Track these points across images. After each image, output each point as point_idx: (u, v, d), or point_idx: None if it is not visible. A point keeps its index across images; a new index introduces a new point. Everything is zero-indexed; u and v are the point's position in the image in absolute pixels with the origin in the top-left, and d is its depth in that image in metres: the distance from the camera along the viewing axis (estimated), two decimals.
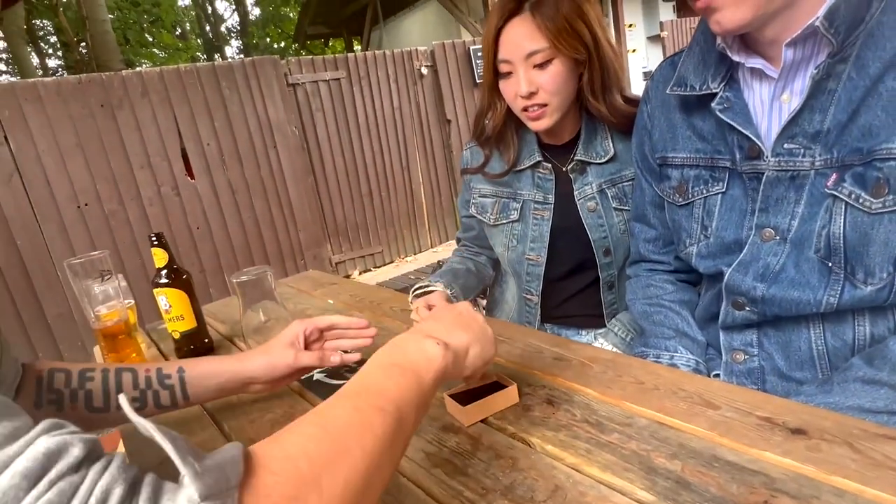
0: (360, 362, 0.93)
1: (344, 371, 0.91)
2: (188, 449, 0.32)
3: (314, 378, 0.90)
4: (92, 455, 0.30)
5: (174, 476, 0.32)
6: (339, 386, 0.70)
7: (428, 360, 0.51)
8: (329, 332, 0.85)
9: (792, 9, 0.63)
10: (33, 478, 0.27)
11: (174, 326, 1.08)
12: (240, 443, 0.36)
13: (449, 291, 1.07)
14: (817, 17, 0.60)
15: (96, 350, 1.22)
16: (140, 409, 0.70)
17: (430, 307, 0.99)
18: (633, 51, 7.44)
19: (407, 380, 0.48)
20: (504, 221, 1.16)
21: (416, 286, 1.12)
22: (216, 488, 0.30)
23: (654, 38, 7.69)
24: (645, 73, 7.36)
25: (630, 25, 7.21)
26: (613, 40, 1.05)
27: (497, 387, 0.71)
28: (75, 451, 0.29)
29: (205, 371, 0.75)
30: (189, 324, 1.09)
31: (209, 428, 0.80)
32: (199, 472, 0.30)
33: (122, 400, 0.35)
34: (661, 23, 7.07)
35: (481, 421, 0.68)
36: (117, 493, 0.28)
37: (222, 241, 3.90)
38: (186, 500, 0.29)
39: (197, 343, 1.11)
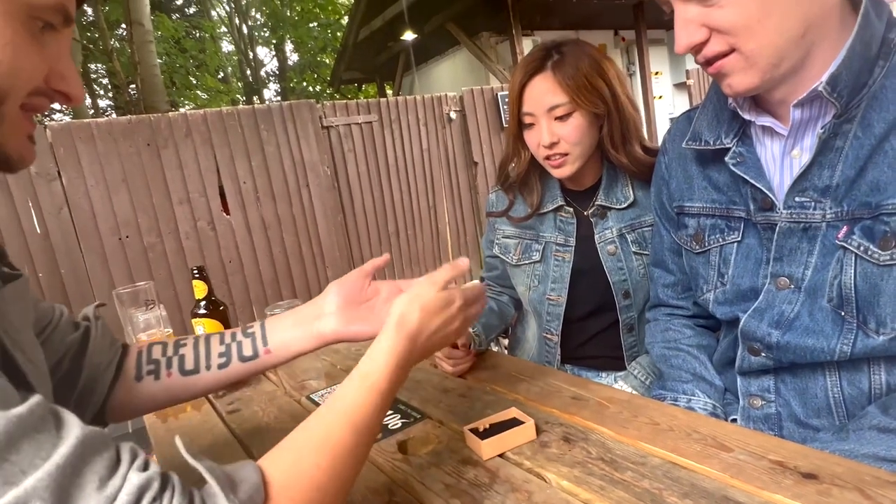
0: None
1: None
2: (227, 481, 0.42)
3: None
4: (165, 484, 0.39)
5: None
6: None
7: (380, 366, 0.57)
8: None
9: (798, 73, 0.68)
10: None
11: None
12: (256, 465, 0.46)
13: (472, 329, 1.11)
14: (820, 83, 0.65)
15: None
16: (226, 364, 0.73)
17: (452, 344, 1.02)
18: (660, 97, 7.54)
19: (371, 392, 0.55)
20: (526, 262, 1.20)
21: None
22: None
23: (681, 86, 7.80)
24: (671, 119, 7.43)
25: (656, 73, 7.34)
26: (632, 94, 1.11)
27: (515, 423, 0.74)
28: (156, 484, 0.39)
29: (283, 324, 0.76)
30: None
31: (238, 455, 0.84)
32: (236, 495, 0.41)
33: (178, 441, 0.45)
34: (686, 71, 7.19)
35: (499, 455, 0.71)
36: None
37: (252, 274, 4.02)
38: None
39: None
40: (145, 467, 0.39)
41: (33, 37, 0.44)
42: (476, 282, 0.70)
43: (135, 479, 0.38)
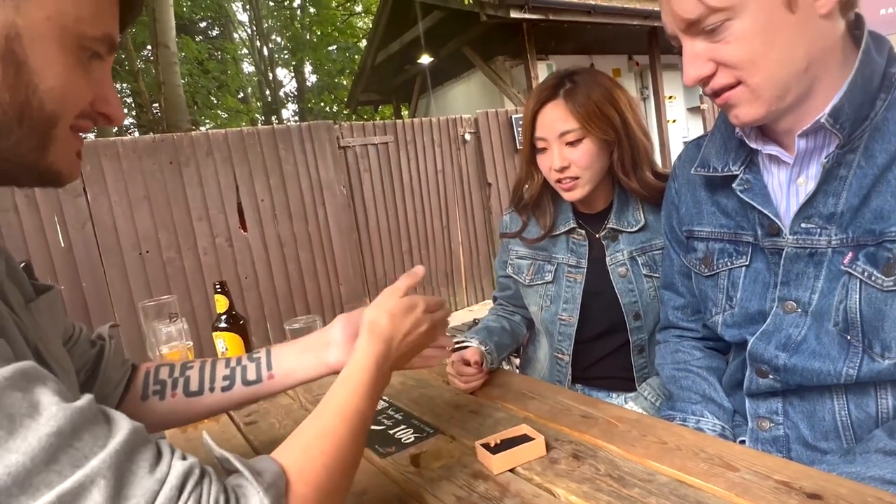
0: (397, 409, 0.99)
1: (381, 417, 0.96)
2: (253, 470, 0.47)
3: None
4: (203, 472, 0.44)
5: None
6: (377, 431, 0.78)
7: (360, 368, 0.63)
8: None
9: (802, 105, 0.71)
10: (180, 489, 0.41)
11: None
12: (271, 457, 0.51)
13: (484, 348, 1.13)
14: (823, 114, 0.67)
15: None
16: (229, 387, 0.77)
17: (465, 362, 1.05)
18: (674, 121, 7.58)
19: (356, 391, 0.61)
20: (539, 282, 1.23)
21: (454, 342, 1.18)
22: (274, 494, 0.46)
23: (694, 110, 7.83)
24: (685, 143, 7.44)
25: (670, 97, 7.39)
26: (645, 122, 1.15)
27: (526, 439, 0.76)
28: (197, 471, 0.43)
29: (290, 351, 0.80)
30: None
31: None
32: (260, 481, 0.46)
33: (206, 437, 0.50)
34: (700, 95, 7.23)
35: (509, 470, 0.73)
36: (222, 499, 0.43)
37: (267, 290, 4.07)
38: (258, 497, 0.45)
39: None
40: (185, 458, 0.44)
41: (82, 65, 0.48)
42: (439, 298, 0.76)
43: (179, 465, 0.42)
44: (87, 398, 0.40)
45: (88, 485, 0.37)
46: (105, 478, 0.38)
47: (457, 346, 1.15)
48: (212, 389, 0.76)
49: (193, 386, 0.76)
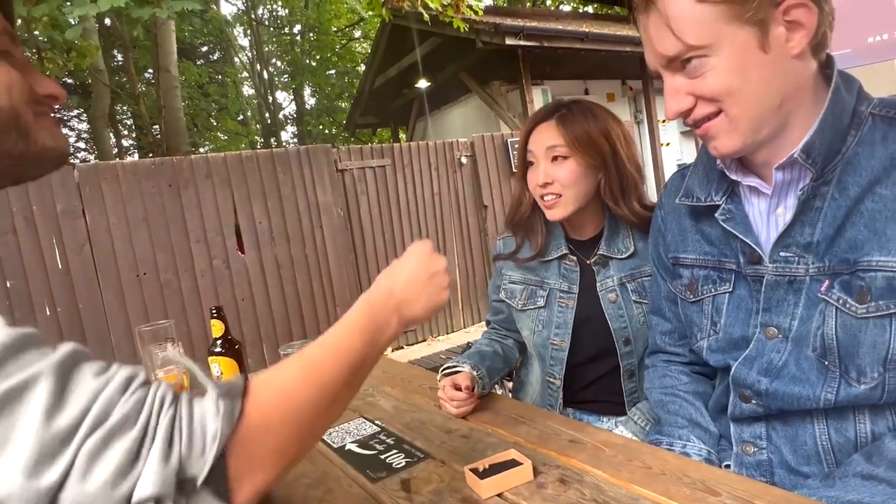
0: (388, 434, 1.00)
1: (373, 442, 0.97)
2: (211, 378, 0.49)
3: (346, 447, 0.97)
4: (149, 381, 0.46)
5: None
6: (369, 456, 0.80)
7: (358, 309, 0.64)
8: None
9: (777, 139, 0.74)
10: (123, 389, 0.43)
11: None
12: (241, 376, 0.51)
13: (475, 373, 1.14)
14: (796, 150, 0.71)
15: None
16: None
17: (456, 387, 1.06)
18: (667, 144, 7.68)
19: (351, 332, 0.61)
20: (531, 307, 1.25)
21: (445, 366, 1.19)
22: (229, 393, 0.47)
23: (688, 133, 7.94)
24: (678, 165, 7.54)
25: (663, 121, 7.50)
26: (639, 156, 1.19)
27: (514, 464, 0.77)
28: (142, 376, 0.45)
29: None
30: None
31: None
32: (218, 385, 0.47)
33: (186, 361, 0.55)
34: None
35: (497, 495, 0.74)
36: (169, 395, 0.44)
37: (264, 312, 4.07)
38: (212, 398, 0.46)
39: None
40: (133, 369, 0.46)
41: (2, 63, 0.54)
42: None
43: (124, 371, 0.44)
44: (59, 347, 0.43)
45: (32, 383, 0.39)
46: (48, 377, 0.39)
47: (447, 370, 1.17)
48: None
49: None
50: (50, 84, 0.59)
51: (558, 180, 1.12)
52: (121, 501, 0.38)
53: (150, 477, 0.39)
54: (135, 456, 0.40)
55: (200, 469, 0.42)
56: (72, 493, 0.37)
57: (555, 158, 1.12)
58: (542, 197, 1.15)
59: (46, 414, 0.38)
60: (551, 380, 1.24)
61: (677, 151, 7.90)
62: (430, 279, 0.68)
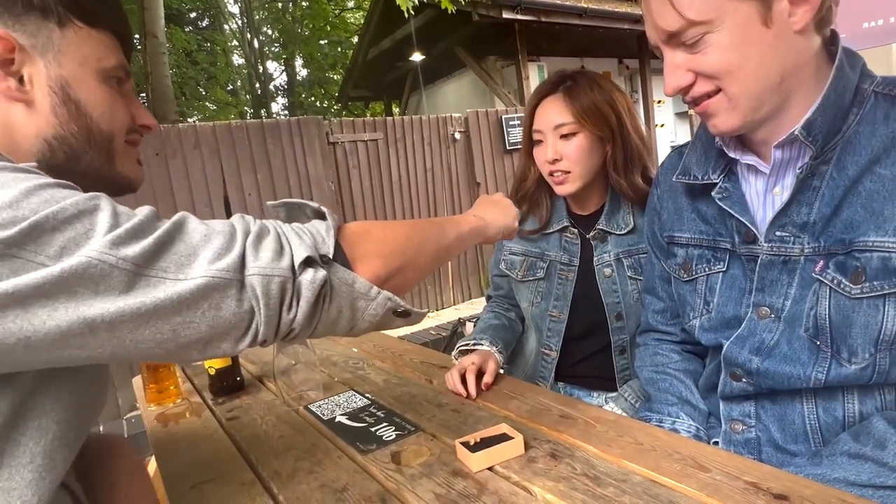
0: (379, 407, 1.00)
1: (363, 415, 0.97)
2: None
3: (336, 419, 0.97)
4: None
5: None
6: (359, 428, 0.80)
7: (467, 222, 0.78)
8: None
9: (777, 117, 0.73)
10: (251, 223, 0.54)
11: (211, 363, 1.17)
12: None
13: (495, 348, 1.13)
14: (797, 127, 0.69)
15: (136, 380, 1.32)
16: None
17: (481, 371, 1.04)
18: (662, 125, 7.65)
19: (454, 226, 0.74)
20: (531, 279, 1.25)
21: (461, 344, 1.18)
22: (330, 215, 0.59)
23: (682, 115, 7.91)
24: (672, 147, 7.53)
25: (659, 102, 7.45)
26: (642, 127, 1.18)
27: (505, 438, 0.77)
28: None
29: None
30: (225, 362, 1.17)
31: (237, 461, 0.87)
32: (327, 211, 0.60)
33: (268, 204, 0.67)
34: None
35: (488, 468, 0.74)
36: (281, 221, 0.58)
37: None
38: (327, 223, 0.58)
39: (230, 381, 1.19)
40: None
41: (114, 90, 0.64)
42: None
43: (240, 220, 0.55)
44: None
45: (94, 208, 0.48)
46: (196, 221, 0.51)
47: (464, 347, 1.15)
48: None
49: None
50: (147, 116, 0.69)
51: (567, 157, 1.11)
52: (288, 265, 0.51)
53: (299, 250, 0.52)
54: (280, 245, 0.52)
55: (328, 249, 0.54)
56: (252, 267, 0.49)
57: (563, 135, 1.11)
58: (550, 174, 1.14)
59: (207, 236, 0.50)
60: (547, 352, 1.24)
61: (672, 133, 7.88)
62: (505, 208, 0.88)
